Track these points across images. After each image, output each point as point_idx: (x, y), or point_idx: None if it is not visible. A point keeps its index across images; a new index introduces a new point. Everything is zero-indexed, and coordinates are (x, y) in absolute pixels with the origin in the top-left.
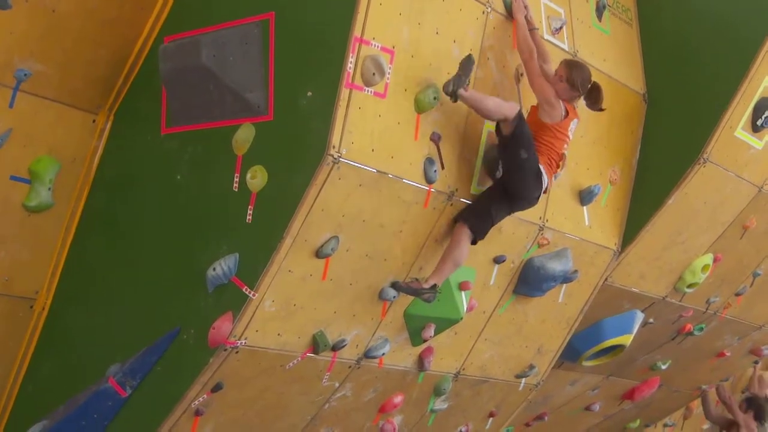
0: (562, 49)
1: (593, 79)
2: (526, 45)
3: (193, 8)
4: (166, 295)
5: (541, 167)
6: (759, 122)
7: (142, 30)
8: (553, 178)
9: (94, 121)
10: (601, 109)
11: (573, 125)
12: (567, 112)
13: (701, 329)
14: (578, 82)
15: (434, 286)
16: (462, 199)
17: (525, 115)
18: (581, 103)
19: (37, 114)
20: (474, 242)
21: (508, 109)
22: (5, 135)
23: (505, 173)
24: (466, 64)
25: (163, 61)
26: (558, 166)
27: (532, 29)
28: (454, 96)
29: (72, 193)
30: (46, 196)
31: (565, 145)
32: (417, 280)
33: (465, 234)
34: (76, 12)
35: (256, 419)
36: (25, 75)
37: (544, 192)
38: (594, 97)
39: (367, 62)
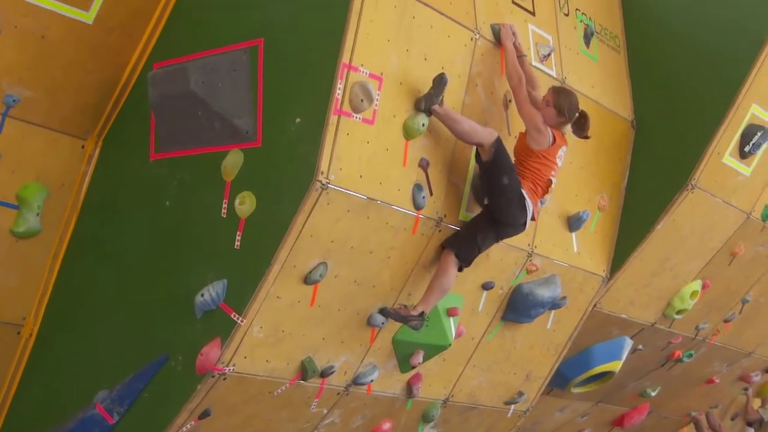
0: (551, 76)
1: (581, 107)
2: (514, 72)
3: (182, 35)
4: (154, 321)
5: (524, 192)
6: (746, 148)
7: (131, 57)
8: (539, 204)
9: (82, 146)
10: (587, 137)
11: (561, 152)
12: (555, 139)
13: (690, 356)
14: (565, 108)
15: (422, 314)
16: (450, 225)
17: (514, 141)
18: (569, 130)
19: (26, 140)
20: (460, 269)
21: (484, 135)
22: None
23: (489, 201)
24: (439, 81)
25: (152, 87)
26: (544, 192)
27: (520, 56)
28: (428, 112)
29: (60, 218)
30: (34, 222)
31: (553, 172)
32: (405, 306)
33: (451, 261)
34: (65, 38)
35: None
36: (14, 101)
37: (532, 219)
38: (581, 124)
39: (356, 88)
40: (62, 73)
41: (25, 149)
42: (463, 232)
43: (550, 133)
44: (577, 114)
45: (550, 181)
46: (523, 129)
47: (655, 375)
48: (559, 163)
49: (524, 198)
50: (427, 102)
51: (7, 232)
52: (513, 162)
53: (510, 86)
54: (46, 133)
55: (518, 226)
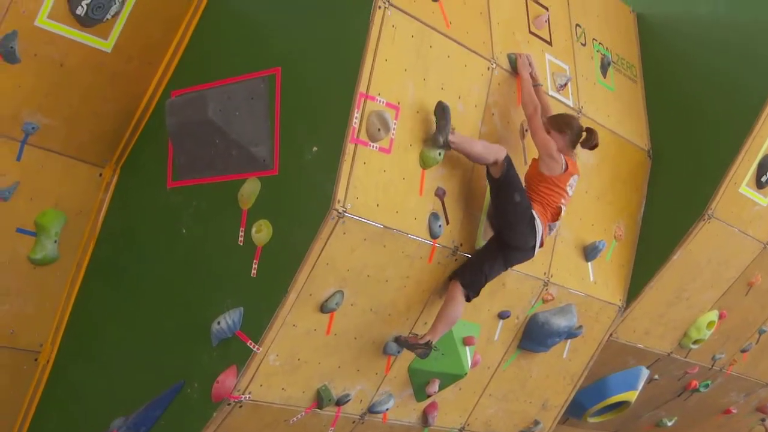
0: (567, 106)
1: (598, 136)
2: (530, 100)
3: (200, 63)
4: (170, 348)
5: (534, 213)
6: (764, 179)
7: (149, 84)
8: (548, 230)
9: (100, 174)
10: (595, 145)
11: (573, 181)
12: (567, 167)
13: (707, 386)
14: (562, 124)
15: (428, 343)
16: (466, 254)
17: (526, 167)
18: (583, 154)
19: (44, 167)
20: (468, 299)
21: (497, 151)
22: (12, 188)
23: (499, 221)
24: (442, 112)
25: (170, 115)
26: (554, 218)
27: (536, 85)
28: (447, 146)
29: (78, 246)
30: (51, 249)
31: (563, 200)
32: (416, 335)
33: (458, 291)
34: (83, 66)
35: None
36: (33, 128)
37: (540, 246)
38: (587, 138)
39: (373, 118)
40: (81, 101)
41: (44, 176)
42: (470, 262)
43: (564, 160)
44: (580, 128)
45: (560, 209)
46: (536, 155)
47: (672, 405)
48: (570, 192)
49: (534, 218)
50: (443, 135)
51: (25, 259)
52: (523, 185)
53: (525, 114)
54: (64, 161)
55: (527, 250)
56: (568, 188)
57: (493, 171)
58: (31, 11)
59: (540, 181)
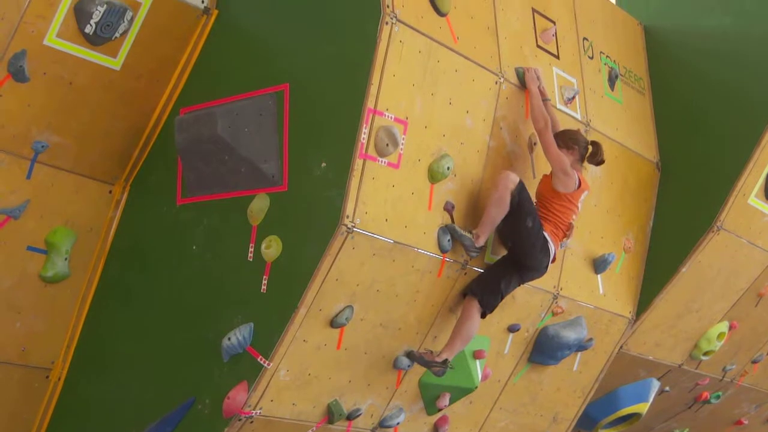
0: (575, 119)
1: (606, 149)
2: (541, 115)
3: (209, 80)
4: (181, 364)
5: (546, 235)
6: None
7: (158, 102)
8: (559, 247)
9: (110, 191)
10: (602, 161)
11: (583, 196)
12: (580, 183)
13: (718, 397)
14: (569, 140)
15: (445, 361)
16: (476, 268)
17: (535, 181)
18: (592, 169)
19: (54, 185)
20: (483, 316)
21: (508, 185)
22: (23, 206)
23: (513, 244)
24: (453, 234)
25: (179, 132)
26: (565, 236)
27: (544, 100)
28: (481, 248)
29: (88, 263)
30: (62, 266)
31: (574, 216)
32: (431, 352)
33: (474, 308)
34: (93, 84)
35: None
36: (43, 147)
37: (552, 261)
38: (594, 152)
39: (381, 133)
40: (90, 119)
41: (54, 194)
42: (486, 279)
43: (577, 176)
44: (586, 142)
45: (571, 225)
46: (546, 171)
47: (683, 417)
48: (580, 207)
49: (547, 241)
50: (472, 249)
51: (36, 277)
52: (535, 204)
53: (536, 129)
54: (74, 179)
55: (541, 269)
56: (579, 204)
57: None
58: (40, 30)
59: (553, 198)
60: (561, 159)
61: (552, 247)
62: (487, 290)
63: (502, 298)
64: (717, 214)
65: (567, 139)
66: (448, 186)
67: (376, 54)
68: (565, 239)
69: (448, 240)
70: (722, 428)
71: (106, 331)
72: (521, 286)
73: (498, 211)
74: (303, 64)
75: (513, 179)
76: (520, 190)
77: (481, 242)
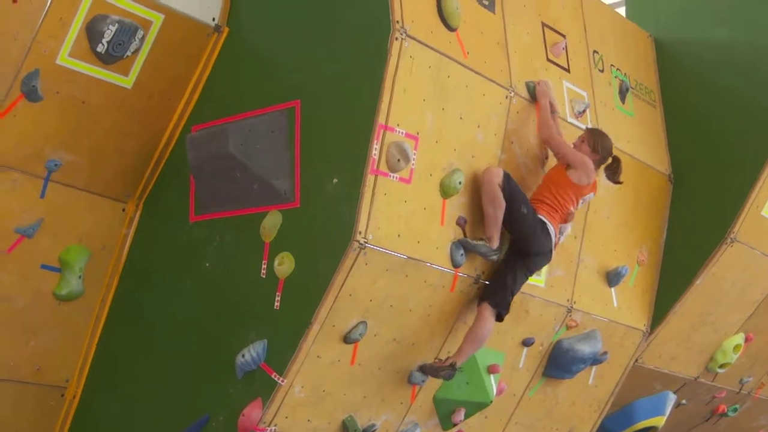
0: None
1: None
2: (545, 125)
3: (220, 98)
4: (195, 382)
5: (543, 217)
6: None
7: (170, 120)
8: (559, 234)
9: (123, 209)
10: (620, 182)
11: (588, 197)
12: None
13: (735, 410)
14: (599, 146)
15: (453, 364)
16: (488, 282)
17: (545, 171)
18: (605, 181)
19: (68, 203)
20: (500, 318)
21: (494, 180)
22: (36, 224)
23: (513, 235)
24: (467, 247)
25: (191, 149)
26: (563, 220)
27: (553, 113)
28: (498, 251)
29: (102, 281)
30: (76, 284)
31: (573, 207)
32: (439, 360)
33: (487, 311)
34: (105, 103)
35: None
36: (56, 165)
37: (554, 246)
38: (613, 168)
39: (392, 148)
40: (103, 138)
41: (67, 213)
42: (492, 282)
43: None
44: (610, 154)
45: (571, 213)
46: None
47: (700, 430)
48: (580, 205)
49: (545, 223)
50: (492, 254)
51: (50, 296)
52: (538, 188)
53: (543, 139)
54: (88, 197)
55: (546, 253)
56: (581, 200)
57: None
58: (52, 50)
59: (560, 185)
60: (584, 160)
61: (551, 228)
62: (494, 290)
63: (512, 294)
64: (730, 225)
65: (596, 141)
66: (460, 200)
67: (386, 69)
68: (565, 224)
69: (461, 254)
70: None
71: (120, 349)
72: (535, 298)
73: (495, 208)
74: (313, 81)
75: (497, 173)
76: (507, 180)
77: (495, 243)
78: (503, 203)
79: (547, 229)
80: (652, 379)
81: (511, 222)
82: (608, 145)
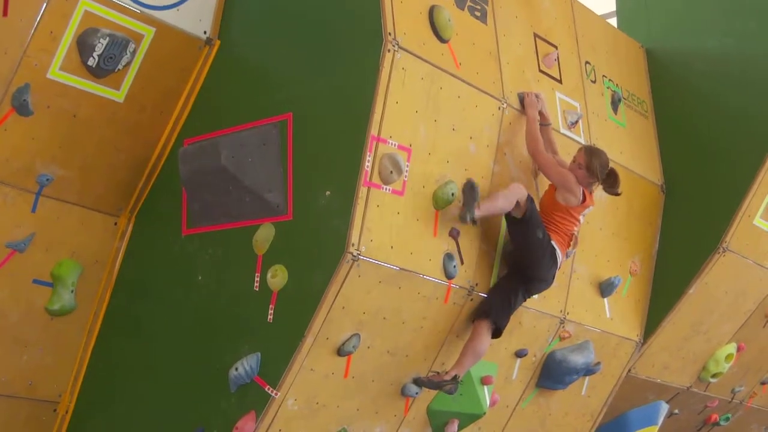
0: (579, 143)
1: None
2: (530, 137)
3: (212, 111)
4: (188, 395)
5: (554, 244)
6: None
7: (162, 133)
8: (565, 256)
9: (115, 223)
10: (618, 193)
11: (586, 211)
12: (584, 198)
13: (727, 419)
14: (597, 169)
15: (455, 378)
16: (482, 294)
17: (541, 194)
18: (599, 192)
19: (60, 218)
20: (496, 334)
21: (518, 193)
22: (28, 239)
23: (521, 257)
24: (470, 190)
25: (183, 163)
26: (569, 245)
27: (546, 124)
28: (473, 222)
29: (94, 295)
30: (68, 299)
31: (576, 228)
32: (438, 373)
33: (485, 327)
34: (97, 117)
35: None
36: (47, 180)
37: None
38: (611, 182)
39: (385, 160)
40: (94, 152)
41: (59, 227)
42: (493, 296)
43: (581, 192)
44: (605, 168)
45: (573, 236)
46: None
47: None
48: (582, 220)
49: (555, 250)
50: (470, 213)
51: (42, 310)
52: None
53: (530, 151)
54: (80, 211)
55: (549, 279)
56: (581, 217)
57: (515, 212)
58: (43, 64)
59: (555, 210)
60: (563, 176)
61: (559, 255)
62: (496, 307)
63: (511, 314)
64: (723, 235)
65: (590, 160)
66: (453, 212)
67: (378, 81)
68: (570, 248)
69: (454, 266)
70: None
71: (113, 363)
72: (528, 310)
73: (504, 203)
74: (305, 93)
75: (524, 192)
76: (530, 202)
77: (477, 215)
78: (509, 209)
79: (556, 256)
80: (644, 389)
81: (525, 245)
82: (605, 161)
